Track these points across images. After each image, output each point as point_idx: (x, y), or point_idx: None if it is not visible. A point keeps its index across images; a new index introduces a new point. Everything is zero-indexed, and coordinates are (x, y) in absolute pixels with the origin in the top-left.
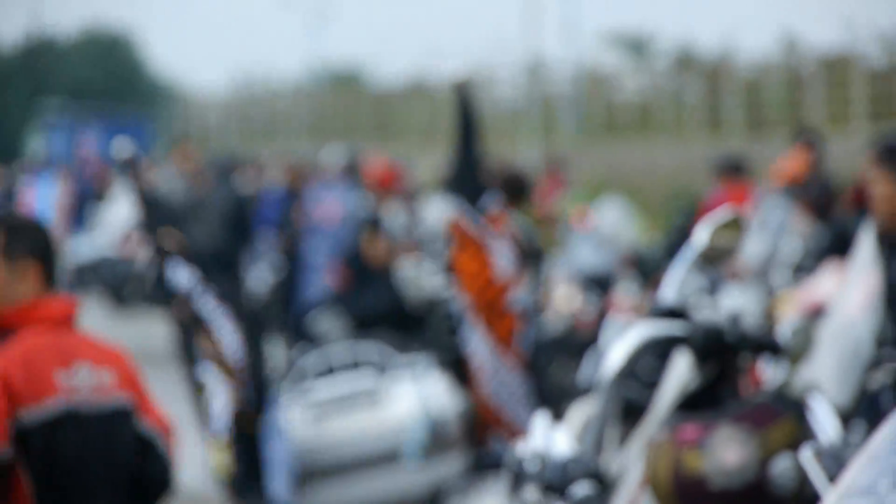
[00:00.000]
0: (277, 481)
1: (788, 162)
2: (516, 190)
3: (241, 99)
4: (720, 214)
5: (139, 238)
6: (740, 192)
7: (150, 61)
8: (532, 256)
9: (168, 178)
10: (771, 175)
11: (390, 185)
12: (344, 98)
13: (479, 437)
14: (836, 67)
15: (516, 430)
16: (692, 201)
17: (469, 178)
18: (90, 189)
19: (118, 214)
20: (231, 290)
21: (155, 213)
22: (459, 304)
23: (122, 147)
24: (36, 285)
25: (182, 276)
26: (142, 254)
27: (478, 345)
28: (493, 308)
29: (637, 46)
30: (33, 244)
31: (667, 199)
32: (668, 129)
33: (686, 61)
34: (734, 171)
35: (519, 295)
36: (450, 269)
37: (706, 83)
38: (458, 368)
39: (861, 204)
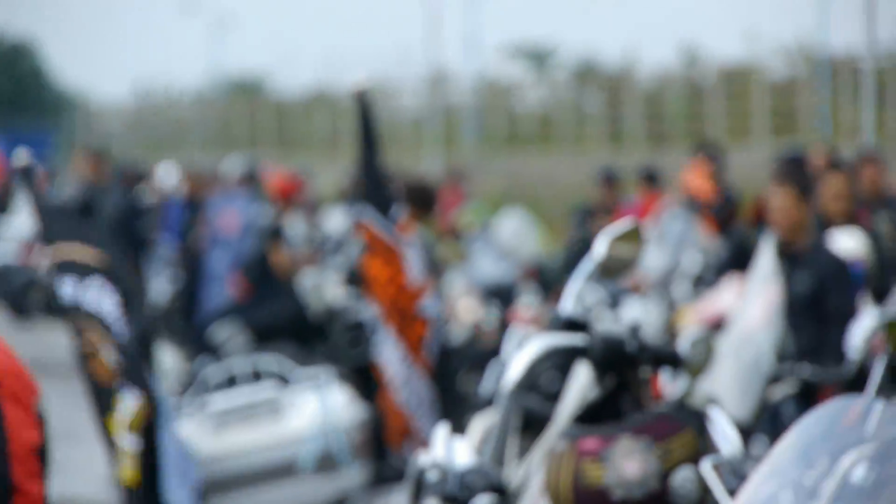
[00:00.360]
0: (176, 494)
1: (691, 175)
2: (423, 201)
3: (142, 108)
4: (619, 225)
5: (39, 248)
6: (654, 202)
7: (52, 71)
8: (433, 269)
9: (68, 188)
10: (681, 188)
11: (291, 196)
12: (246, 107)
13: (394, 445)
14: (737, 80)
15: (426, 439)
16: (586, 211)
17: (376, 188)
18: None
19: (19, 224)
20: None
21: (52, 223)
22: (371, 311)
23: (20, 156)
24: None
25: (71, 287)
26: (42, 264)
27: (390, 352)
28: (404, 314)
29: (538, 58)
30: None
31: (567, 210)
32: (569, 141)
33: (587, 73)
34: (649, 181)
35: (429, 302)
36: (359, 275)
37: (607, 95)
38: (359, 379)
39: (761, 217)
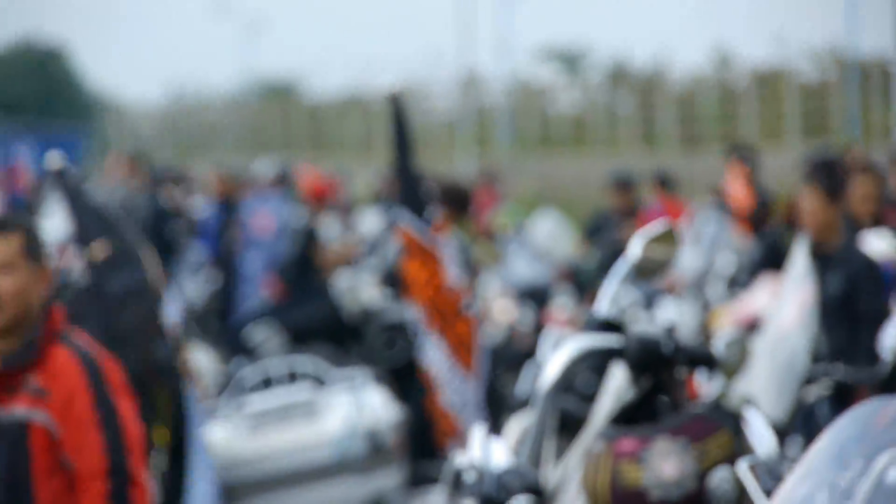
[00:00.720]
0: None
1: (732, 180)
2: (459, 203)
3: (174, 111)
4: (654, 227)
5: (74, 250)
6: (670, 205)
7: (84, 74)
8: (469, 271)
9: (101, 191)
10: (720, 193)
11: (325, 197)
12: (278, 110)
13: (441, 447)
14: (769, 82)
15: (462, 435)
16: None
17: (411, 190)
18: (23, 202)
19: (52, 227)
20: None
21: (87, 224)
22: (412, 314)
23: (53, 159)
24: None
25: (119, 283)
26: (77, 265)
27: (433, 353)
28: (445, 315)
29: (571, 61)
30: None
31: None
32: (602, 143)
33: (619, 76)
34: (663, 185)
35: (471, 301)
36: (395, 277)
37: (640, 97)
38: (395, 380)
39: (793, 218)
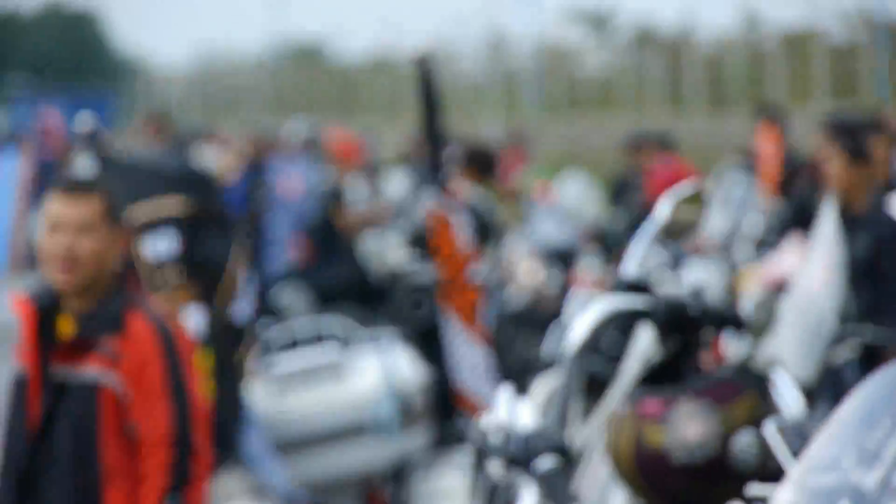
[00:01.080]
0: (271, 471)
1: (763, 141)
2: (483, 165)
3: (202, 74)
4: (682, 188)
5: None
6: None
7: (113, 37)
8: (493, 232)
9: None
10: (749, 154)
11: (351, 158)
12: (306, 73)
13: (457, 409)
14: (797, 44)
15: (476, 406)
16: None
17: (438, 153)
18: (52, 164)
19: None
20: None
21: (118, 186)
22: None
23: (84, 121)
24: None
25: (161, 245)
26: None
27: (449, 327)
28: (454, 281)
29: (598, 23)
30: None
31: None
32: (629, 105)
33: (647, 37)
34: (667, 146)
35: (479, 268)
36: (423, 238)
37: (667, 59)
38: (422, 342)
39: (817, 179)
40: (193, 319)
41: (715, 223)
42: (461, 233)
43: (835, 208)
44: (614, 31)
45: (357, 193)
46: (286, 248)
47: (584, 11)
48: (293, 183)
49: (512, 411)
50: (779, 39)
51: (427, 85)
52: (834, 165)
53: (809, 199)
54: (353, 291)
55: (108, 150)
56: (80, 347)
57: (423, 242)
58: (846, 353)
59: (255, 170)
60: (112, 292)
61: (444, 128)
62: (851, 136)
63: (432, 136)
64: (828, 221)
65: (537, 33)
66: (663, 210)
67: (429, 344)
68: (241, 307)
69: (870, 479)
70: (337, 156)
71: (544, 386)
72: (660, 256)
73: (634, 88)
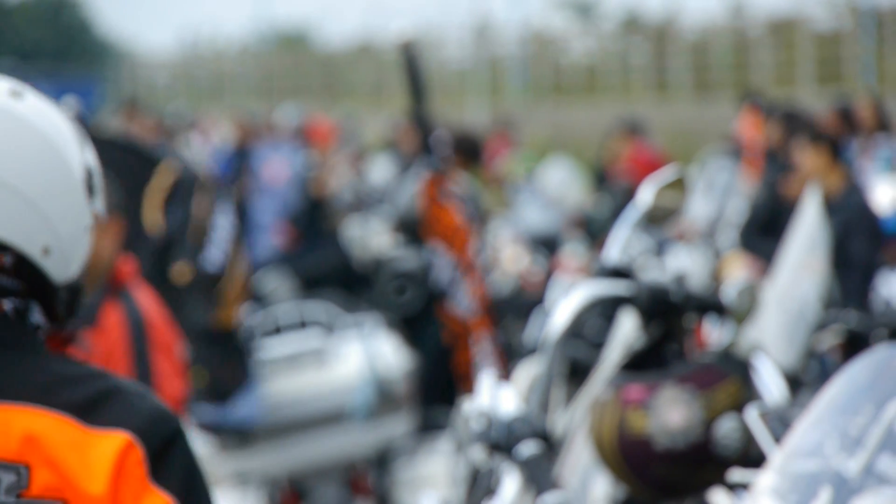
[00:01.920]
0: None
1: (744, 125)
2: (469, 152)
3: (188, 59)
4: (664, 174)
5: None
6: (644, 152)
7: (99, 22)
8: (478, 218)
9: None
10: (731, 138)
11: (327, 141)
12: (291, 58)
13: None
14: (783, 30)
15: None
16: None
17: (422, 137)
18: None
19: None
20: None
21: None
22: (443, 261)
23: (68, 105)
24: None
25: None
26: None
27: (464, 300)
28: (461, 256)
29: (584, 9)
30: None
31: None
32: (614, 91)
33: (632, 24)
34: (637, 132)
35: (476, 249)
36: (407, 224)
37: (653, 45)
38: (406, 328)
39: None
40: None
41: (699, 209)
42: (459, 215)
43: (818, 195)
44: (600, 18)
45: (342, 179)
46: (271, 235)
47: None
48: (278, 169)
49: (494, 397)
50: (764, 26)
51: (412, 70)
52: (814, 161)
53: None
54: (336, 277)
55: (92, 135)
56: (60, 341)
57: (407, 228)
58: (830, 339)
59: (241, 155)
60: (101, 283)
61: (432, 112)
62: (828, 138)
63: (420, 120)
64: (811, 207)
65: (523, 19)
66: (645, 196)
67: (413, 330)
68: (214, 255)
69: (852, 465)
70: (311, 139)
71: (527, 372)
72: (643, 243)
73: (619, 74)
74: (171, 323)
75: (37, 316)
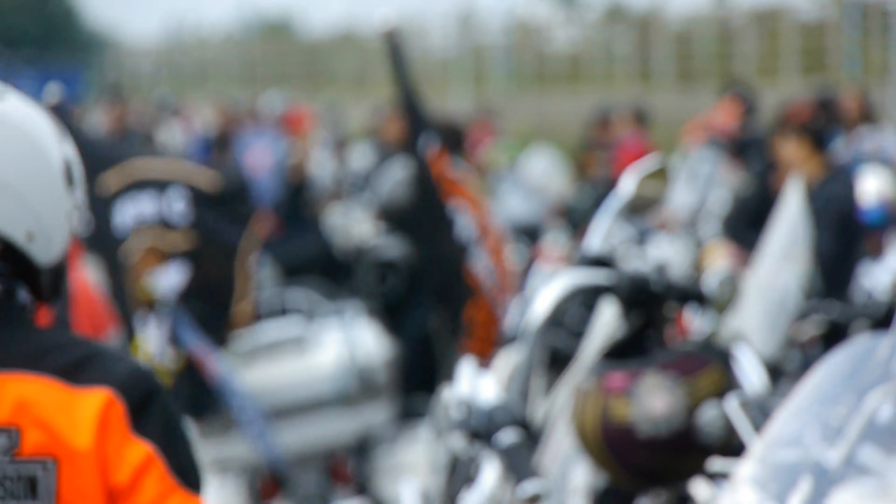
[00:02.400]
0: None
1: (717, 113)
2: (453, 140)
3: (172, 47)
4: (646, 163)
5: None
6: (647, 141)
7: (83, 9)
8: None
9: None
10: (697, 127)
11: (301, 127)
12: (274, 46)
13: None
14: (767, 20)
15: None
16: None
17: (411, 125)
18: None
19: None
20: None
21: (87, 159)
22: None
23: (52, 93)
24: None
25: (126, 216)
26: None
27: (482, 261)
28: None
29: None
30: None
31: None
32: (598, 81)
33: (616, 13)
34: (643, 121)
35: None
36: (389, 212)
37: (636, 35)
38: (387, 316)
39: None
40: (170, 279)
41: (681, 199)
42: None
43: (800, 185)
44: (584, 7)
45: (324, 168)
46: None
47: None
48: (260, 157)
49: (474, 385)
50: (748, 15)
51: (396, 59)
52: (796, 153)
53: (768, 176)
54: (318, 265)
55: (73, 123)
56: (45, 317)
57: (390, 216)
58: (810, 329)
59: (219, 142)
60: None
61: (420, 99)
62: (814, 123)
63: (408, 108)
64: (793, 198)
65: (507, 8)
66: (627, 185)
67: (393, 318)
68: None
69: (832, 456)
70: (292, 127)
71: (507, 360)
72: (625, 232)
73: (603, 64)
74: (104, 309)
75: (23, 295)
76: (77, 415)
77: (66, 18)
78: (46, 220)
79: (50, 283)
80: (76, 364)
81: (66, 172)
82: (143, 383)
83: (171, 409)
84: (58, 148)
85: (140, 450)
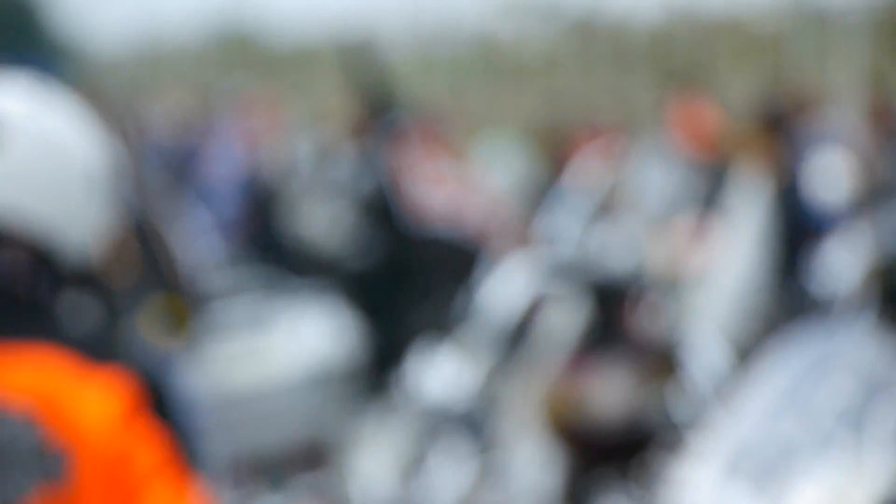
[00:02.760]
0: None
1: (677, 111)
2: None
3: (137, 61)
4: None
5: None
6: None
7: (49, 21)
8: None
9: None
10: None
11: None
12: (238, 61)
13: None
14: (725, 33)
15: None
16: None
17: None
18: None
19: None
20: None
21: None
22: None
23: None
24: None
25: None
26: None
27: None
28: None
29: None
30: None
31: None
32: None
33: (588, 26)
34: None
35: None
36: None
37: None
38: (353, 304)
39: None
40: None
41: (631, 182)
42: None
43: (759, 173)
44: (554, 21)
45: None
46: (220, 230)
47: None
48: (224, 165)
49: (437, 374)
50: (706, 29)
51: (360, 73)
52: (758, 146)
53: (728, 167)
54: (283, 256)
55: None
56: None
57: (370, 210)
58: (777, 315)
59: (184, 152)
60: None
61: (391, 103)
62: (776, 118)
63: (372, 100)
64: (750, 186)
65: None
66: (601, 190)
67: (362, 309)
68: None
69: (797, 435)
70: (244, 113)
71: (467, 350)
72: (581, 224)
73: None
74: None
75: (57, 297)
76: (93, 399)
77: (32, 29)
78: (69, 225)
79: (90, 281)
80: (94, 352)
81: (91, 170)
82: (156, 367)
83: (185, 391)
84: (79, 146)
85: (154, 435)
